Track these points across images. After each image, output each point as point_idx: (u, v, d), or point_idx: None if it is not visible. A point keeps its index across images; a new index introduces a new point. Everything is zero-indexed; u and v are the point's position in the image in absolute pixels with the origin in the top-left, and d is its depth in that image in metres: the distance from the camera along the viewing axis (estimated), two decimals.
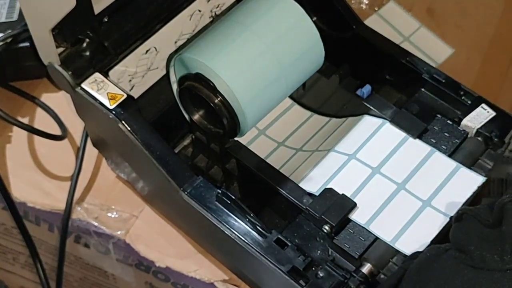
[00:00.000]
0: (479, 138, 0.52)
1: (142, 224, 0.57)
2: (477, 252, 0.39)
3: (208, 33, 0.51)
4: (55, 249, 0.59)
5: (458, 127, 0.52)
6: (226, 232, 0.47)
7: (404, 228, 0.48)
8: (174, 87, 0.52)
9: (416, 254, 0.45)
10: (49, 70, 0.50)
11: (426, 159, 0.51)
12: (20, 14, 0.61)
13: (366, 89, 0.55)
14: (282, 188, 0.49)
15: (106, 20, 0.50)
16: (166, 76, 0.53)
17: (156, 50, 0.53)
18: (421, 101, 0.54)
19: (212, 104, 0.49)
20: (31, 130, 0.58)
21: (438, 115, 0.53)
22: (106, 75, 0.50)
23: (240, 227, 0.47)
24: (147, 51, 0.52)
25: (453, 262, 0.40)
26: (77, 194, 0.57)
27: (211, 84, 0.48)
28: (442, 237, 0.47)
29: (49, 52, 0.49)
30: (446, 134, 0.52)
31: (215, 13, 0.55)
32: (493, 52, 0.65)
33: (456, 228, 0.42)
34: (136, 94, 0.52)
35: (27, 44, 0.58)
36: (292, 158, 0.54)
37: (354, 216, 0.48)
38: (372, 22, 0.65)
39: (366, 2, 0.67)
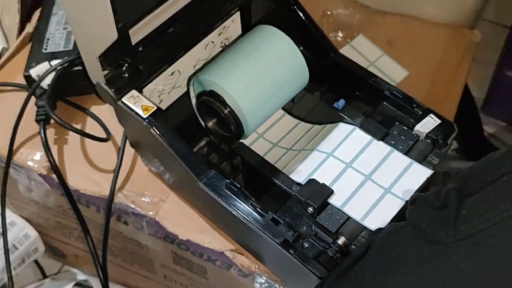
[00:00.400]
0: (428, 140, 0.52)
1: (168, 207, 0.56)
2: (428, 229, 0.39)
3: (219, 59, 0.51)
4: (101, 225, 0.59)
5: (412, 132, 0.52)
6: (233, 212, 0.47)
7: (370, 209, 0.48)
8: (193, 101, 0.52)
9: (379, 230, 0.45)
10: (97, 88, 0.50)
11: (387, 157, 0.51)
12: (75, 44, 0.61)
13: (341, 102, 0.55)
14: (276, 178, 0.49)
15: (141, 49, 0.50)
16: (187, 92, 0.53)
17: (179, 72, 0.53)
18: (383, 111, 0.54)
19: (222, 114, 0.49)
20: (83, 134, 0.58)
21: (396, 123, 0.53)
22: (140, 91, 0.50)
23: (244, 209, 0.47)
24: (172, 73, 0.52)
25: (408, 237, 0.40)
26: (118, 184, 0.57)
27: (222, 98, 0.49)
28: (399, 217, 0.47)
29: (97, 74, 0.49)
30: (402, 137, 0.52)
31: (225, 44, 0.55)
32: (439, 73, 0.66)
33: (410, 210, 0.42)
34: (163, 106, 0.52)
35: (80, 68, 0.58)
36: (284, 155, 0.54)
37: (332, 200, 0.48)
38: (345, 51, 0.65)
39: (341, 35, 0.67)
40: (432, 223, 0.39)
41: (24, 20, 0.68)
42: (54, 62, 0.58)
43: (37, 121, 0.57)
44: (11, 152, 0.58)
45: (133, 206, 0.57)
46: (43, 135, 0.56)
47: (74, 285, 0.73)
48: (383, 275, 0.39)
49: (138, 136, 0.55)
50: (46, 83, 0.58)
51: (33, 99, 0.58)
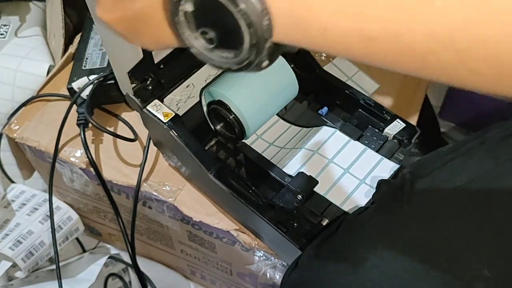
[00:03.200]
0: (395, 140, 0.52)
1: (184, 194, 0.56)
2: (388, 203, 0.39)
3: (225, 75, 0.51)
4: (130, 209, 0.59)
5: (382, 134, 0.52)
6: (236, 199, 0.47)
7: (348, 196, 0.48)
8: (204, 108, 0.52)
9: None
10: (126, 98, 0.50)
11: (362, 154, 0.51)
12: (108, 62, 0.60)
13: (324, 109, 0.55)
14: (272, 171, 0.49)
15: (162, 66, 0.50)
16: (199, 101, 0.53)
17: (193, 85, 0.53)
18: (359, 117, 0.54)
19: (228, 119, 0.49)
20: (115, 135, 0.58)
21: (369, 126, 0.53)
22: (162, 101, 0.50)
23: (245, 196, 0.47)
24: (187, 86, 0.52)
25: (371, 212, 0.40)
26: (144, 176, 0.57)
27: (228, 106, 0.48)
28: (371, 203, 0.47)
29: (126, 86, 0.49)
30: (374, 138, 0.52)
31: None
32: (404, 86, 0.65)
33: (376, 191, 0.42)
34: (180, 113, 0.52)
35: (112, 81, 0.58)
36: (278, 153, 0.54)
37: (317, 189, 0.48)
38: (328, 68, 0.65)
39: (324, 55, 0.67)
40: (391, 198, 0.39)
41: (67, 43, 0.68)
42: (92, 77, 0.58)
43: (78, 125, 0.57)
44: (57, 150, 0.58)
45: (156, 193, 0.57)
46: (82, 136, 0.56)
47: (108, 258, 0.73)
48: (351, 242, 0.39)
49: (159, 137, 0.55)
50: (85, 94, 0.58)
51: (74, 107, 0.58)
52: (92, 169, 0.57)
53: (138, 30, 0.29)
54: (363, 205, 0.46)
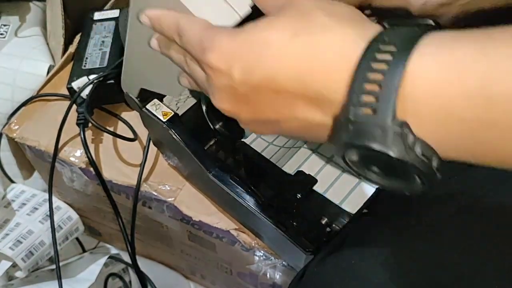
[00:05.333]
0: None
1: (184, 194, 0.56)
2: (394, 220, 0.39)
3: None
4: (130, 209, 0.59)
5: None
6: (236, 198, 0.47)
7: (347, 195, 0.48)
8: (204, 108, 0.52)
9: (356, 215, 0.44)
10: (126, 97, 0.50)
11: None
12: (108, 61, 0.60)
13: None
14: (271, 170, 0.49)
15: None
16: (199, 101, 0.53)
17: None
18: None
19: (227, 118, 0.49)
20: (115, 135, 0.58)
21: None
22: (161, 100, 0.50)
23: (245, 195, 0.47)
24: None
25: (377, 226, 0.40)
26: (143, 175, 0.57)
27: None
28: (371, 201, 0.47)
29: (130, 86, 0.49)
30: None
31: None
32: None
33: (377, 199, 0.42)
34: (180, 112, 0.52)
35: (112, 81, 0.58)
36: (277, 152, 0.54)
37: (316, 188, 0.48)
38: None
39: None
40: (398, 215, 0.39)
41: (67, 43, 0.68)
42: (92, 77, 0.58)
43: (78, 124, 0.57)
44: (56, 150, 0.58)
45: (155, 193, 0.57)
46: (82, 136, 0.56)
47: (108, 257, 0.73)
48: (357, 261, 0.38)
49: (159, 136, 0.55)
50: (85, 93, 0.58)
51: (74, 107, 0.58)
52: (92, 169, 0.57)
53: (277, 131, 0.30)
54: (362, 204, 0.46)
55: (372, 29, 0.26)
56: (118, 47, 0.62)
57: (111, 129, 0.61)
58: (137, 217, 0.59)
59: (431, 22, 0.27)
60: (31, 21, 0.73)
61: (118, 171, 0.58)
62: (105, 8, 0.72)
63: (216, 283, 0.74)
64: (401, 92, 0.24)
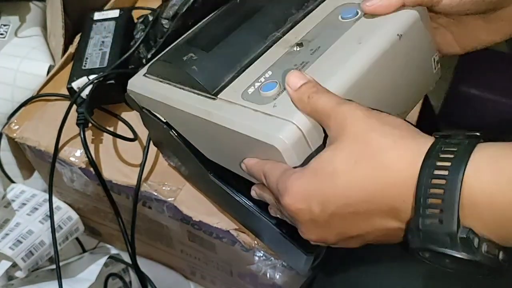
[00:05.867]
0: None
1: (184, 194, 0.56)
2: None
3: None
4: (130, 210, 0.59)
5: None
6: (236, 198, 0.47)
7: None
8: None
9: None
10: (126, 97, 0.50)
11: None
12: (108, 61, 0.60)
13: None
14: None
15: None
16: None
17: None
18: None
19: None
20: (115, 135, 0.58)
21: None
22: None
23: (245, 196, 0.47)
24: None
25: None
26: (143, 175, 0.57)
27: None
28: None
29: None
30: None
31: None
32: None
33: None
34: None
35: (112, 81, 0.58)
36: None
37: None
38: None
39: None
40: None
41: (67, 43, 0.68)
42: (92, 77, 0.58)
43: (78, 124, 0.57)
44: (56, 150, 0.58)
45: (155, 193, 0.57)
46: (82, 136, 0.56)
47: (108, 257, 0.73)
48: (368, 275, 0.39)
49: (159, 137, 0.54)
50: (85, 93, 0.58)
51: (74, 107, 0.58)
52: (92, 169, 0.57)
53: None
54: None
55: (426, 143, 0.29)
56: (118, 47, 0.62)
57: (111, 129, 0.61)
58: (137, 217, 0.59)
59: (477, 133, 0.30)
60: (31, 21, 0.72)
61: (118, 171, 0.58)
62: (105, 8, 0.72)
63: (216, 283, 0.74)
64: (462, 201, 0.27)
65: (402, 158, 0.29)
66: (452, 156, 0.27)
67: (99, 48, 0.63)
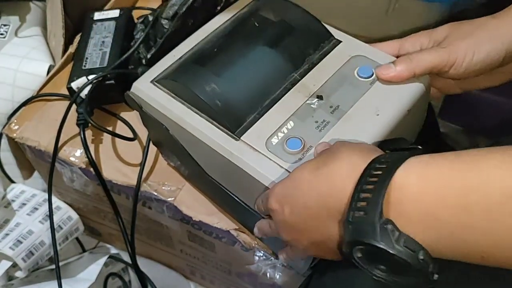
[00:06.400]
0: None
1: (184, 194, 0.56)
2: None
3: None
4: (130, 210, 0.59)
5: None
6: (236, 199, 0.47)
7: None
8: None
9: None
10: (126, 97, 0.50)
11: None
12: (108, 61, 0.60)
13: None
14: None
15: None
16: None
17: None
18: None
19: None
20: (115, 134, 0.58)
21: None
22: None
23: None
24: None
25: None
26: (143, 175, 0.57)
27: None
28: None
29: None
30: None
31: None
32: None
33: None
34: None
35: (112, 81, 0.58)
36: None
37: None
38: None
39: None
40: None
41: (67, 42, 0.68)
42: (91, 77, 0.57)
43: (78, 124, 0.57)
44: (56, 150, 0.58)
45: (155, 193, 0.57)
46: (82, 136, 0.56)
47: (108, 257, 0.73)
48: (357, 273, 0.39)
49: (159, 137, 0.54)
50: (84, 93, 0.57)
51: (74, 107, 0.58)
52: (91, 169, 0.57)
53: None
54: None
55: (374, 155, 0.33)
56: (118, 47, 0.61)
57: (111, 129, 0.61)
58: (137, 217, 0.59)
59: (419, 147, 0.34)
60: (31, 21, 0.72)
61: (118, 171, 0.58)
62: (105, 8, 0.72)
63: (215, 283, 0.74)
64: (389, 199, 0.30)
65: (350, 165, 0.33)
66: (389, 161, 0.31)
67: (99, 48, 0.62)
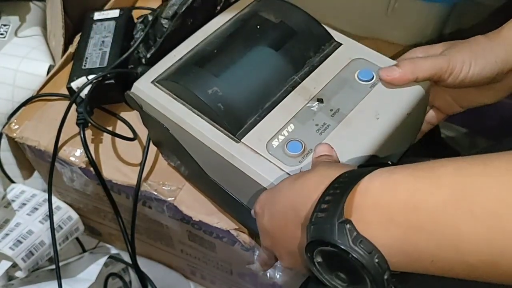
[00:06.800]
0: None
1: (184, 194, 0.56)
2: None
3: None
4: (130, 209, 0.59)
5: None
6: (236, 199, 0.47)
7: None
8: None
9: None
10: (126, 97, 0.50)
11: None
12: (108, 61, 0.60)
13: None
14: None
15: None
16: None
17: None
18: None
19: None
20: (115, 134, 0.58)
21: None
22: None
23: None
24: None
25: None
26: (143, 175, 0.57)
27: None
28: None
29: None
30: None
31: None
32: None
33: None
34: None
35: (112, 81, 0.58)
36: None
37: None
38: None
39: None
40: None
41: (67, 42, 0.68)
42: (91, 77, 0.57)
43: (78, 124, 0.57)
44: (56, 149, 0.58)
45: (155, 193, 0.57)
46: (82, 136, 0.56)
47: (108, 257, 0.73)
48: None
49: (159, 136, 0.54)
50: (84, 93, 0.57)
51: (74, 106, 0.58)
52: (91, 169, 0.57)
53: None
54: None
55: (347, 168, 0.34)
56: (118, 47, 0.61)
57: (111, 128, 0.61)
58: (137, 217, 0.59)
59: (389, 162, 0.35)
60: (31, 21, 0.72)
61: (118, 171, 0.58)
62: (105, 8, 0.72)
63: (216, 283, 0.74)
64: (352, 202, 0.31)
65: (321, 177, 0.34)
66: (359, 171, 0.33)
67: (99, 48, 0.62)
